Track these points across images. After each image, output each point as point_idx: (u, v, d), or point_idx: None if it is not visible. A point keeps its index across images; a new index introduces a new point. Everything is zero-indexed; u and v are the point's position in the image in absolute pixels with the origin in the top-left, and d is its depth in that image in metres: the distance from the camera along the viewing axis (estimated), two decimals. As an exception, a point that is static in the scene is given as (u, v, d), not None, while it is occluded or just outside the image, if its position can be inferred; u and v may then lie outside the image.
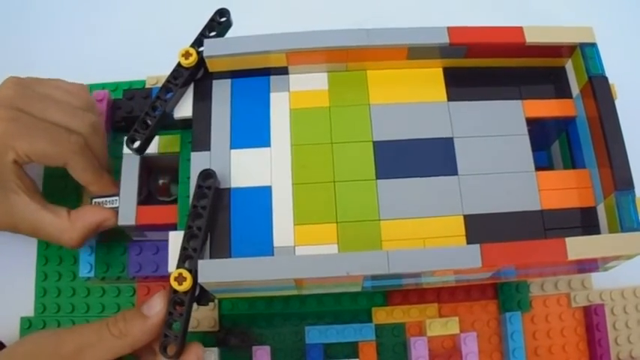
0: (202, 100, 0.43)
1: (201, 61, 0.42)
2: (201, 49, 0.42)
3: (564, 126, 0.45)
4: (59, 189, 0.50)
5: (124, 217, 0.43)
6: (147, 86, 0.54)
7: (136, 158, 0.44)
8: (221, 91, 0.43)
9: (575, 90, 0.43)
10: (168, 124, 0.43)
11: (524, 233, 0.40)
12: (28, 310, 0.49)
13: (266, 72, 0.43)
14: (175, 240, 0.39)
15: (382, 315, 0.48)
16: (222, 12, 0.44)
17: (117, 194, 0.44)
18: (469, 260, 0.37)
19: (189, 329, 0.39)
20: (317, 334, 0.47)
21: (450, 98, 0.43)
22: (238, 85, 0.43)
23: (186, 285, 0.37)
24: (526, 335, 0.48)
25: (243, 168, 0.41)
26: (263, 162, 0.41)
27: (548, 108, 0.43)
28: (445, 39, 0.41)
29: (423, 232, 0.40)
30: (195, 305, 0.39)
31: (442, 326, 0.47)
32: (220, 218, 0.40)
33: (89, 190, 0.45)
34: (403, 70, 0.43)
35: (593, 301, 0.49)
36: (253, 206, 0.40)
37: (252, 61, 0.42)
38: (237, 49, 0.41)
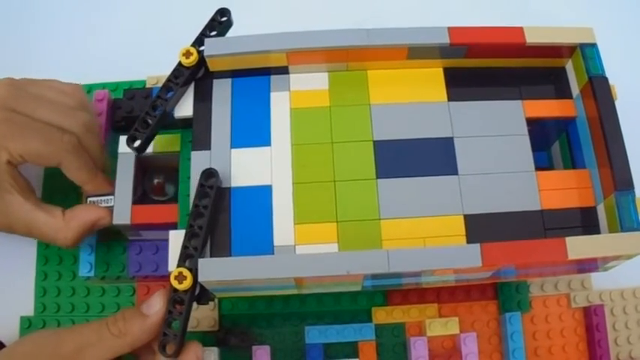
0: (203, 99, 0.43)
1: (201, 60, 0.42)
2: (201, 48, 0.42)
3: (564, 126, 0.45)
4: (59, 189, 0.50)
5: (119, 216, 0.43)
6: (147, 86, 0.54)
7: (132, 157, 0.44)
8: (222, 91, 0.43)
9: (575, 90, 0.43)
10: (168, 123, 0.43)
11: (524, 233, 0.40)
12: (28, 309, 0.49)
13: (266, 71, 0.43)
14: (176, 239, 0.39)
15: (382, 315, 0.48)
16: (223, 11, 0.44)
17: (112, 193, 0.44)
18: (469, 259, 0.37)
19: (189, 329, 0.39)
20: (317, 334, 0.47)
21: (451, 98, 0.43)
22: (239, 85, 0.43)
23: (187, 284, 0.37)
24: (526, 336, 0.48)
25: (244, 167, 0.41)
26: (263, 161, 0.41)
27: (548, 108, 0.43)
28: (446, 39, 0.41)
29: (423, 231, 0.40)
30: (195, 305, 0.39)
31: (442, 326, 0.47)
32: (220, 217, 0.40)
33: (84, 189, 0.45)
34: (403, 70, 0.43)
35: (592, 301, 0.49)
36: (253, 205, 0.40)
37: (252, 61, 0.42)
38: (237, 48, 0.41)
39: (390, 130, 0.42)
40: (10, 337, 0.47)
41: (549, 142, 0.47)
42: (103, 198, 0.45)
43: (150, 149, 0.44)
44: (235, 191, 0.41)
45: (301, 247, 0.39)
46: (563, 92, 0.44)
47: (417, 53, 0.42)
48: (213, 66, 0.43)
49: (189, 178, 0.41)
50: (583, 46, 0.42)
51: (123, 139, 0.44)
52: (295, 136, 0.42)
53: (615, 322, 0.49)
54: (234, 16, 0.44)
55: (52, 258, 0.50)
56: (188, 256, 0.38)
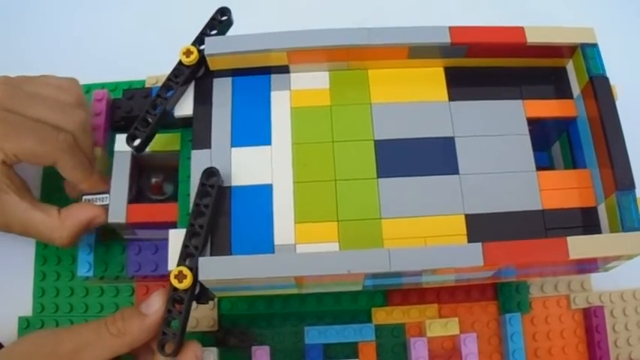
0: (203, 98, 0.43)
1: (202, 59, 0.42)
2: (202, 47, 0.42)
3: (565, 126, 0.45)
4: (58, 188, 0.50)
5: (114, 215, 0.43)
6: (147, 86, 0.54)
7: (128, 156, 0.44)
8: (222, 90, 0.43)
9: (576, 90, 0.43)
10: (168, 122, 0.43)
11: (525, 233, 0.40)
12: (26, 309, 0.49)
13: (267, 70, 0.43)
14: (175, 238, 0.39)
15: (382, 315, 0.48)
16: (224, 10, 0.44)
17: (107, 191, 0.44)
18: (471, 259, 0.37)
19: (188, 329, 0.39)
20: (316, 335, 0.46)
21: (451, 98, 0.43)
22: (239, 84, 0.43)
23: (187, 283, 0.37)
24: (526, 337, 0.48)
25: (244, 166, 0.41)
26: (264, 160, 0.41)
27: (549, 108, 0.43)
28: (446, 38, 0.41)
29: (424, 231, 0.40)
30: (194, 304, 0.38)
31: (442, 327, 0.47)
32: (221, 216, 0.40)
33: (79, 188, 0.45)
34: (404, 69, 0.43)
35: (592, 302, 0.49)
36: (254, 204, 0.40)
37: (253, 60, 0.42)
38: (238, 47, 0.41)
39: (390, 129, 0.42)
40: (8, 338, 0.47)
41: (550, 142, 0.47)
42: (98, 196, 0.45)
43: (148, 148, 0.44)
44: (236, 190, 0.40)
45: (302, 246, 0.39)
46: (564, 92, 0.44)
47: (418, 52, 0.42)
48: (213, 65, 0.42)
49: (189, 177, 0.41)
50: (584, 46, 0.42)
51: (119, 137, 0.44)
52: (296, 135, 0.42)
53: (615, 323, 0.49)
54: (234, 15, 0.44)
55: (51, 258, 0.50)
56: (188, 255, 0.38)
